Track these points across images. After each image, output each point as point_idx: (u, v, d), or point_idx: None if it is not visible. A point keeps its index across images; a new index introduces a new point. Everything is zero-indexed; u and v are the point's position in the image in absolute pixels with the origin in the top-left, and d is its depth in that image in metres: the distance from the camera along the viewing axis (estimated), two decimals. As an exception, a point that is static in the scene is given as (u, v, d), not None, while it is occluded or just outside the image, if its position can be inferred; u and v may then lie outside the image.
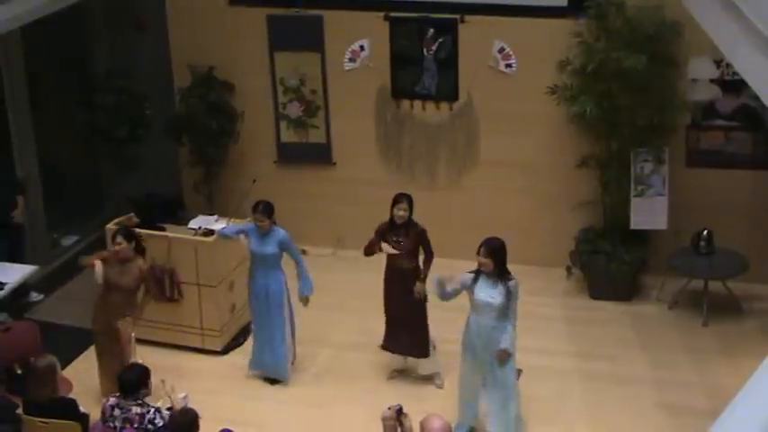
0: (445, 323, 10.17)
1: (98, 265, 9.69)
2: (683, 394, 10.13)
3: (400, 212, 9.97)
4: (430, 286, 9.77)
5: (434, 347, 10.31)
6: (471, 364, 9.30)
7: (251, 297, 10.42)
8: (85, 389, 9.72)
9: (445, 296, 9.30)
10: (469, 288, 9.12)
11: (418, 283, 10.02)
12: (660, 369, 10.56)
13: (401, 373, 10.52)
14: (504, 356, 9.09)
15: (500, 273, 9.01)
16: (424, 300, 10.09)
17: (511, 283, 9.01)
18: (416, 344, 10.24)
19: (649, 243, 11.88)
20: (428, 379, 10.41)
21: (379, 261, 12.51)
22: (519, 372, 10.17)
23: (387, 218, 10.14)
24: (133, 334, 9.85)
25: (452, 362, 9.90)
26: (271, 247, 10.10)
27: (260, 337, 10.46)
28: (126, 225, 10.43)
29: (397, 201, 10.03)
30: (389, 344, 10.41)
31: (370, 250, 10.18)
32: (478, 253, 9.02)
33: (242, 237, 10.31)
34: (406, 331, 10.21)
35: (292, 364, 10.55)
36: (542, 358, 10.49)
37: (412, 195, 10.18)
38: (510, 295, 9.01)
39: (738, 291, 11.53)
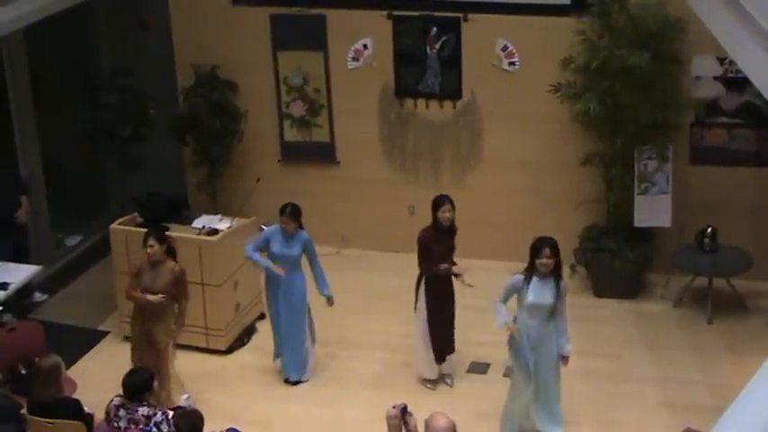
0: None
1: (152, 298, 9.56)
2: (688, 392, 10.12)
3: (446, 214, 9.79)
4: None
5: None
6: (523, 368, 9.19)
7: (270, 299, 10.37)
8: (90, 389, 9.70)
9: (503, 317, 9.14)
10: (520, 290, 9.01)
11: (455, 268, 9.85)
12: (664, 367, 10.55)
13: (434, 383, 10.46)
14: (567, 360, 9.16)
15: (556, 272, 8.95)
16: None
17: (562, 283, 8.98)
18: (452, 341, 10.24)
19: (653, 241, 11.87)
20: (440, 379, 10.43)
21: (383, 262, 12.56)
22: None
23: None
24: (172, 342, 9.77)
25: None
26: (295, 249, 10.08)
27: (280, 337, 10.42)
28: (159, 227, 10.24)
29: (440, 203, 9.82)
30: (442, 354, 10.28)
31: (430, 271, 9.92)
32: (539, 255, 8.87)
33: (277, 268, 10.10)
34: (448, 332, 10.20)
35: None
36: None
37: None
38: (560, 294, 8.97)
39: (743, 288, 11.52)
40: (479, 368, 10.39)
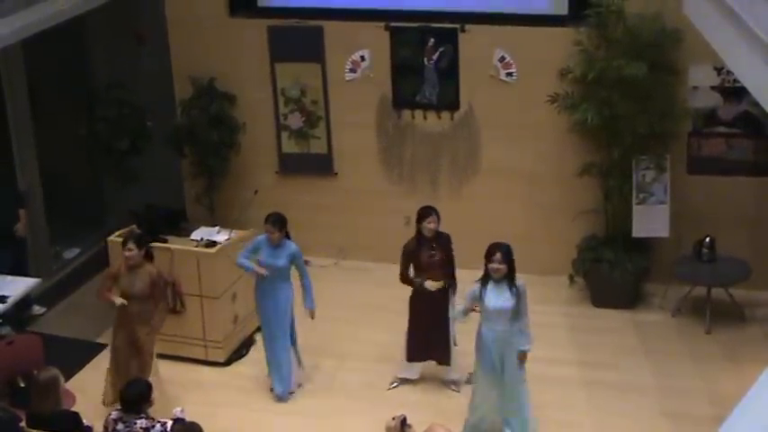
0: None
1: (116, 300, 9.63)
2: (687, 402, 10.12)
3: (430, 225, 9.92)
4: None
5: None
6: (488, 372, 9.30)
7: (259, 310, 10.37)
8: (89, 401, 9.70)
9: (461, 318, 9.58)
10: (479, 298, 9.13)
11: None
12: (663, 377, 10.54)
13: (403, 382, 10.51)
14: (525, 357, 9.19)
15: (510, 276, 9.05)
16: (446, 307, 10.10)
17: (520, 284, 9.06)
18: (444, 350, 10.26)
19: (652, 251, 11.87)
20: (445, 385, 10.44)
21: (381, 273, 12.56)
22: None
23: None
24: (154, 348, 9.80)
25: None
26: (282, 260, 10.04)
27: (268, 349, 10.41)
28: (138, 232, 10.28)
29: (424, 215, 9.96)
30: (416, 354, 10.37)
31: (406, 282, 10.09)
32: (491, 260, 9.03)
33: (258, 267, 10.11)
34: (435, 339, 10.22)
35: (301, 370, 10.59)
36: (545, 367, 10.46)
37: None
38: (520, 296, 9.05)
39: (741, 298, 11.52)
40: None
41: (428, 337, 10.23)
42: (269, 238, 10.04)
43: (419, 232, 10.00)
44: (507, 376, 9.24)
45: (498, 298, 9.07)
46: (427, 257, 9.97)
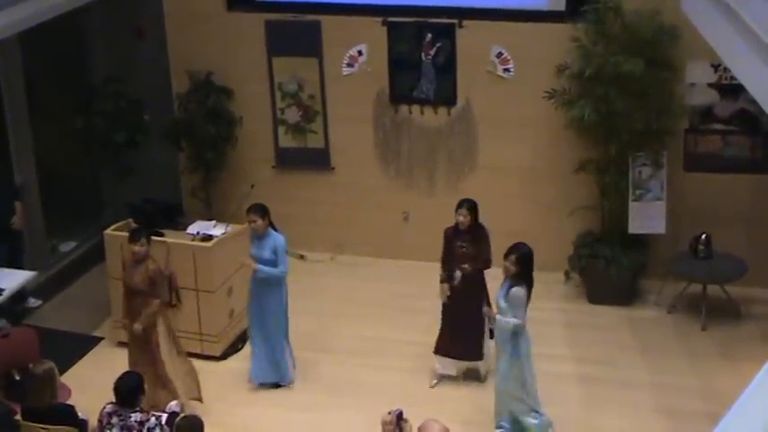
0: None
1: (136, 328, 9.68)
2: (682, 398, 10.13)
3: (459, 218, 9.96)
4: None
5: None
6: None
7: (249, 304, 10.35)
8: (84, 395, 9.69)
9: None
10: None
11: (486, 308, 9.80)
12: (659, 373, 10.55)
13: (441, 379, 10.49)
14: (491, 313, 9.42)
15: (519, 278, 9.08)
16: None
17: (514, 290, 9.08)
18: (477, 348, 10.24)
19: (648, 247, 11.87)
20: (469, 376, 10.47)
21: (378, 268, 12.57)
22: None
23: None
24: (161, 341, 9.76)
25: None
26: (267, 252, 10.02)
27: (258, 345, 10.40)
28: (150, 229, 10.16)
29: (457, 207, 10.01)
30: (449, 349, 10.32)
31: (443, 272, 10.14)
32: (506, 258, 9.10)
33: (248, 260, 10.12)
34: (468, 337, 10.19)
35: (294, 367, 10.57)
36: (541, 363, 10.44)
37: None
38: (509, 299, 9.09)
39: (737, 295, 11.53)
40: None
41: (455, 332, 10.19)
42: (253, 229, 10.01)
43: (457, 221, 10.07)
44: (506, 366, 9.31)
45: (500, 292, 9.24)
46: (458, 248, 10.02)
